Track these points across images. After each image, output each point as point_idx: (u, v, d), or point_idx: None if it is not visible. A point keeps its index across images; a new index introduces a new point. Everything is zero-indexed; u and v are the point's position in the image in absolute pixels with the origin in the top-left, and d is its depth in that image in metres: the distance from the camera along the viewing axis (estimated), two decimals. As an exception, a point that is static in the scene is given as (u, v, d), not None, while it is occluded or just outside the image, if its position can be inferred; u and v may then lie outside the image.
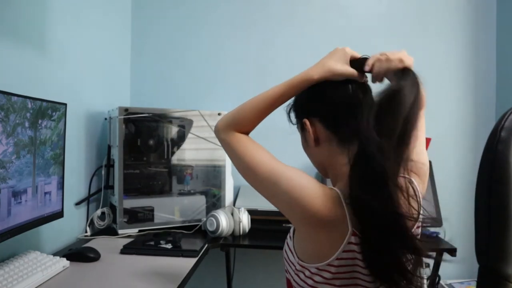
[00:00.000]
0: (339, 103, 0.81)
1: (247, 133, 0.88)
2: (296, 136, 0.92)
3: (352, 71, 0.81)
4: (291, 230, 0.83)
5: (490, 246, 0.57)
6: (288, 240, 0.83)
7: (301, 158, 0.97)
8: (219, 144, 0.91)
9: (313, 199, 0.72)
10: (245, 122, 0.87)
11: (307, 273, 0.76)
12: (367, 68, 0.81)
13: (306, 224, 0.75)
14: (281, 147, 1.90)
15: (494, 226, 0.56)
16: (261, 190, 0.81)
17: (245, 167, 0.83)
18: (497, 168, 0.54)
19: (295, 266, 0.79)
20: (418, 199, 0.79)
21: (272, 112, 0.89)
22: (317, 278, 0.75)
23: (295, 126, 0.91)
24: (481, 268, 0.59)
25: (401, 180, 0.77)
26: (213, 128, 0.92)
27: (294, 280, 0.80)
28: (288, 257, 0.82)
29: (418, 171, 0.85)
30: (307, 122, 0.83)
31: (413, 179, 0.81)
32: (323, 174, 0.88)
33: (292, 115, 0.90)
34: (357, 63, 0.82)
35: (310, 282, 0.76)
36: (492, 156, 0.55)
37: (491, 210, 0.56)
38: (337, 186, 0.78)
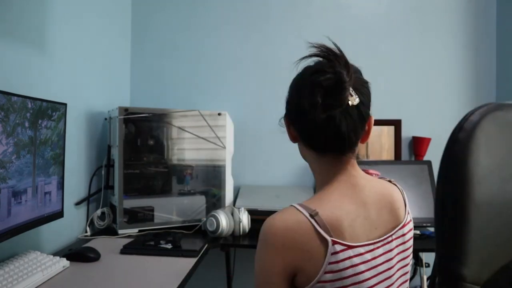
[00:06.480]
0: (312, 128, 0.75)
1: None
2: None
3: None
4: None
5: (444, 247, 0.56)
6: None
7: (297, 160, 0.94)
8: (219, 144, 0.89)
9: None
10: None
11: None
12: None
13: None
14: (277, 148, 1.92)
15: (447, 226, 0.55)
16: None
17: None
18: (453, 168, 0.54)
19: None
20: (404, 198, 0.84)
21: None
22: None
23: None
24: (438, 271, 0.57)
25: (387, 183, 0.84)
26: (216, 132, 0.86)
27: None
28: None
29: None
30: (286, 122, 0.84)
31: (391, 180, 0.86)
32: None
33: None
34: None
35: None
36: (448, 156, 0.55)
37: (446, 210, 0.54)
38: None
